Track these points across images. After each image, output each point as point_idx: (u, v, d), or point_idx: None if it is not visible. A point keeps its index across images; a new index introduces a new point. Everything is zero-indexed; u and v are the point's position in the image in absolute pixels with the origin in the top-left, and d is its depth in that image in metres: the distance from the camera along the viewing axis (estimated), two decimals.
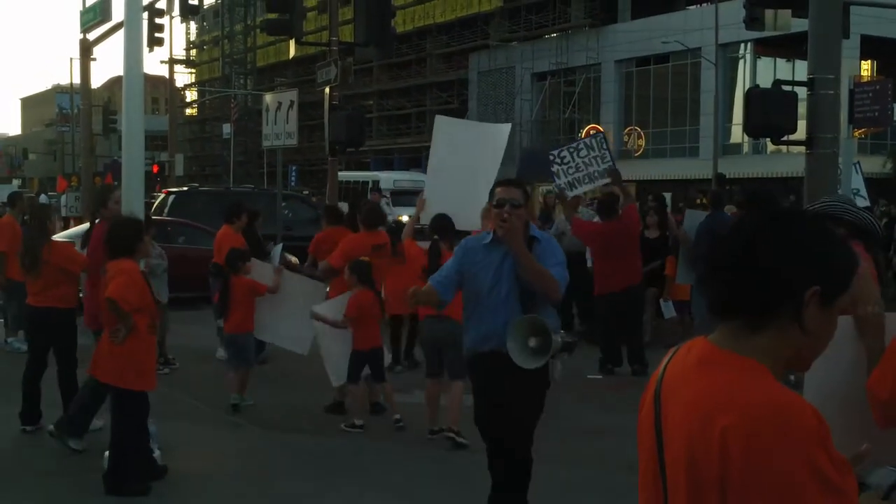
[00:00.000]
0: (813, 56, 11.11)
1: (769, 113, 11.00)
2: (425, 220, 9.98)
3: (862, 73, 40.29)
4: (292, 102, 16.77)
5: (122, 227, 7.10)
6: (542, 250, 5.59)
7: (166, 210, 21.32)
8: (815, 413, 1.87)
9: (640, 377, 10.74)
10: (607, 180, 11.38)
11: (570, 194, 11.59)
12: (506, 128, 10.36)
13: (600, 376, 11.28)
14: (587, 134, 39.91)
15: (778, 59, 41.89)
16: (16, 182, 67.41)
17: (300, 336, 9.72)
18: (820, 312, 1.97)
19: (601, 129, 39.76)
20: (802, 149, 11.90)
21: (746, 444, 1.83)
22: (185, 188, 27.11)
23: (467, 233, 7.84)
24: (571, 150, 11.49)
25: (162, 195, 23.93)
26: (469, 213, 8.51)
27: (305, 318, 9.10)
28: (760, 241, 1.98)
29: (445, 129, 10.42)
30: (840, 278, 2.01)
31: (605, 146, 11.34)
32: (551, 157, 11.52)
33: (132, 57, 7.70)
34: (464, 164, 9.60)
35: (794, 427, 1.83)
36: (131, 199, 7.76)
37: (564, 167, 11.30)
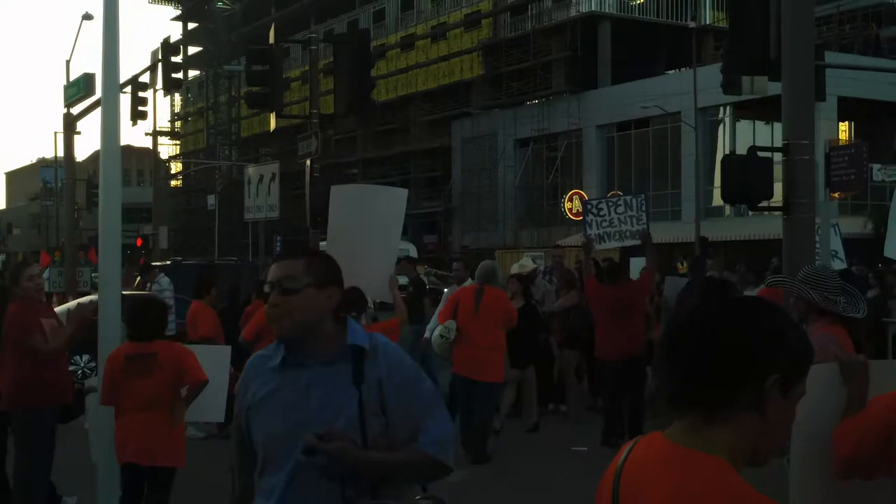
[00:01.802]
0: (787, 122, 11.18)
1: (745, 179, 11.05)
2: None
3: (840, 135, 40.75)
4: (274, 175, 16.88)
5: (154, 308, 7.05)
6: (392, 388, 3.04)
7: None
8: None
9: None
10: (637, 242, 11.34)
11: (598, 247, 11.52)
12: (402, 192, 9.36)
13: (585, 448, 11.07)
14: (570, 199, 40.10)
15: (757, 122, 42.41)
16: (0, 257, 67.22)
17: (213, 404, 9.59)
18: (780, 400, 1.95)
19: (584, 193, 39.99)
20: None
21: None
22: (169, 261, 27.05)
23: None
24: (610, 203, 11.43)
25: None
26: (374, 282, 7.99)
27: (215, 385, 8.99)
28: (716, 331, 1.96)
29: (341, 197, 9.43)
30: (798, 364, 1.99)
31: (643, 208, 11.30)
32: (589, 206, 11.48)
33: (109, 134, 7.69)
34: (363, 231, 8.37)
35: None
36: (108, 275, 7.72)
37: (599, 219, 11.21)
